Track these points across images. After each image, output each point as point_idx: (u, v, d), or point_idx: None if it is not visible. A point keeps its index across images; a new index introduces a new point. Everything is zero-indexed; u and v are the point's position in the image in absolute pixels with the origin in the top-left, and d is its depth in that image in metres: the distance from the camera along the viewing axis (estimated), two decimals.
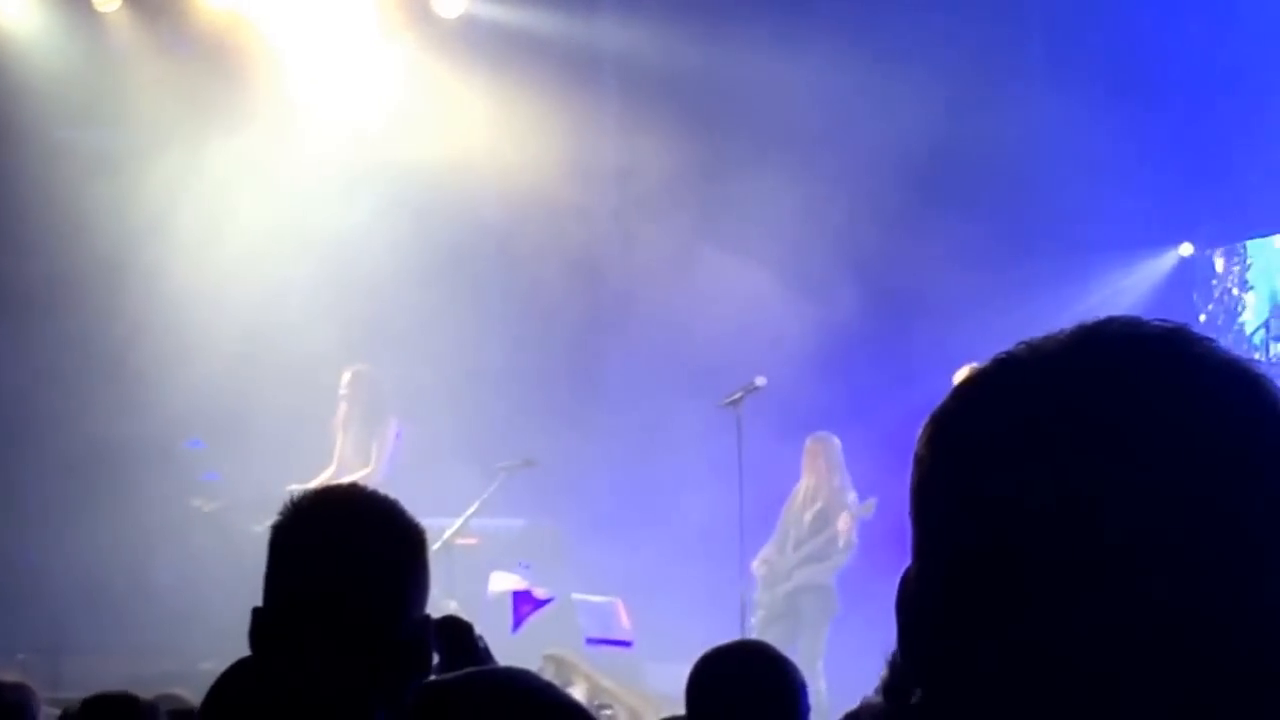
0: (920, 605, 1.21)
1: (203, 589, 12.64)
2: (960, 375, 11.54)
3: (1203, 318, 14.03)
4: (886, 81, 13.97)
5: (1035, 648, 1.14)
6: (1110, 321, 1.20)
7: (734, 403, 12.40)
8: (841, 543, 12.53)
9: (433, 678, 2.78)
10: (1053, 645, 1.13)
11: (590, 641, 11.78)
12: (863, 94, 14.12)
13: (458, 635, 3.09)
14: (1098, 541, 1.12)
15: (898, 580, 1.25)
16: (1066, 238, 14.52)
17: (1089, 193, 14.41)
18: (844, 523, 12.49)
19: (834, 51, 14.20)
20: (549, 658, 8.87)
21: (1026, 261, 14.48)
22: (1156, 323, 1.19)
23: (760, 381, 12.39)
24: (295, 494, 2.83)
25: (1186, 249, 14.94)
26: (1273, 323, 12.49)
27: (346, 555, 2.74)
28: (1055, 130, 14.53)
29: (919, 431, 1.24)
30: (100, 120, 14.32)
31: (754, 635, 11.01)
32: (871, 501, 12.67)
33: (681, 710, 5.36)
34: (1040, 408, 1.16)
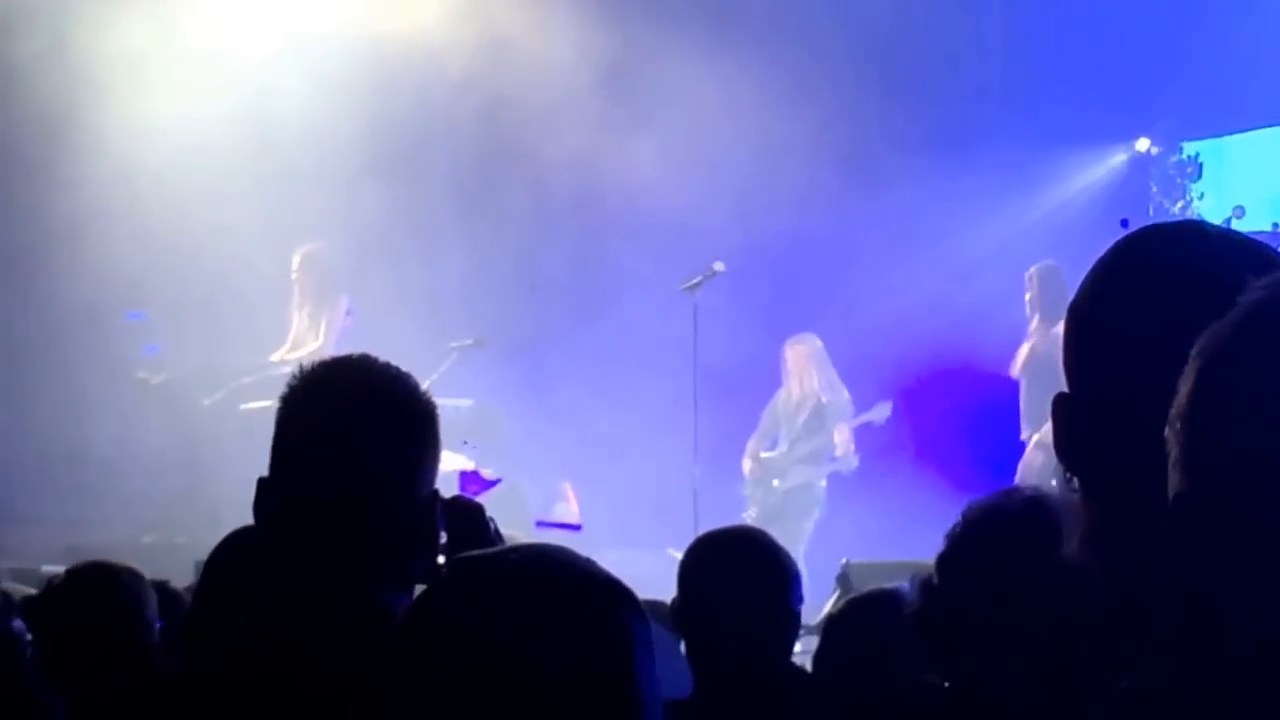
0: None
1: (144, 462, 12.51)
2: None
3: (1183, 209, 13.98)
4: None
5: None
6: None
7: (692, 287, 12.33)
8: (840, 453, 12.56)
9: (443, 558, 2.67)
10: None
11: (539, 525, 11.70)
12: None
13: (468, 515, 2.95)
14: None
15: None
16: (1023, 130, 14.39)
17: (1047, 85, 14.30)
18: (841, 434, 12.52)
19: None
20: None
21: (984, 151, 14.35)
22: None
23: (719, 267, 12.34)
24: (304, 365, 2.70)
25: (1143, 144, 14.86)
26: (1234, 222, 12.43)
27: (357, 428, 2.61)
28: (1018, 22, 14.42)
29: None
30: None
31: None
32: (885, 405, 12.69)
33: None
34: None
